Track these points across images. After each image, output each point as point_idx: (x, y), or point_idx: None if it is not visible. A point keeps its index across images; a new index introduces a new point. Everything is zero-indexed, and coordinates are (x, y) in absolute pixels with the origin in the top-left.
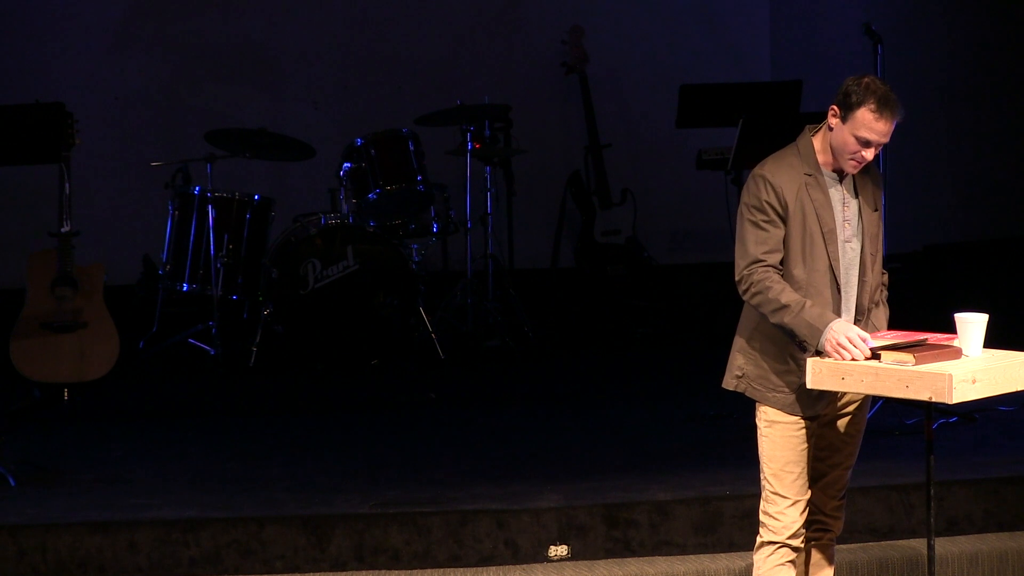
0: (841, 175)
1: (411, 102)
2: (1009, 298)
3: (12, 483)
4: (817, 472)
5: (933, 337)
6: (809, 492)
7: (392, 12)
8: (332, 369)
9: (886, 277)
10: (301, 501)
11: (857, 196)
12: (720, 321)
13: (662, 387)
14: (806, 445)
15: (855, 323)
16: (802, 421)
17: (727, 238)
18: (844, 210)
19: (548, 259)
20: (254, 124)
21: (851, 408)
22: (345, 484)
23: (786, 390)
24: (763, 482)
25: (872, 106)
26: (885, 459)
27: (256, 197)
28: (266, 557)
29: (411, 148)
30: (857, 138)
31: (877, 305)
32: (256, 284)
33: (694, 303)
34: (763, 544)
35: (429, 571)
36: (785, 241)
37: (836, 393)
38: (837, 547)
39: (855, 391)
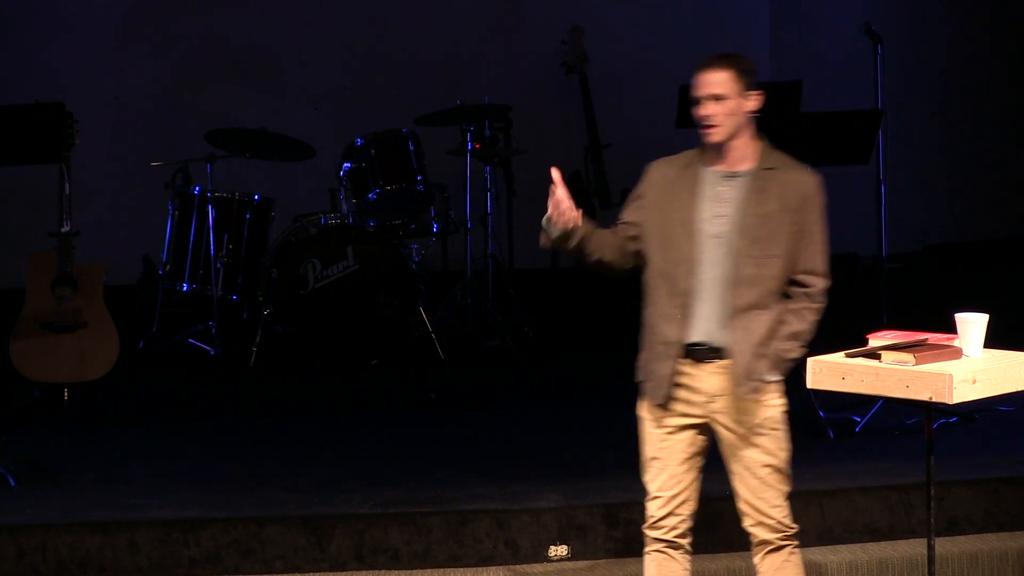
0: (737, 174)
1: (411, 102)
2: (1009, 298)
3: (12, 483)
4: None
5: (933, 337)
6: (675, 491)
7: (392, 12)
8: (332, 369)
9: (815, 288)
10: (301, 501)
11: (751, 195)
12: None
13: None
14: (667, 445)
15: (725, 324)
16: (664, 422)
17: None
18: (718, 206)
19: (548, 259)
20: (254, 124)
21: (743, 430)
22: (345, 484)
23: (645, 379)
24: None
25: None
26: (885, 459)
27: (256, 197)
28: (266, 557)
29: (411, 148)
30: (693, 101)
31: (764, 309)
32: (256, 284)
33: None
34: None
35: (429, 571)
36: (648, 228)
37: (679, 390)
38: (837, 547)
39: (855, 391)
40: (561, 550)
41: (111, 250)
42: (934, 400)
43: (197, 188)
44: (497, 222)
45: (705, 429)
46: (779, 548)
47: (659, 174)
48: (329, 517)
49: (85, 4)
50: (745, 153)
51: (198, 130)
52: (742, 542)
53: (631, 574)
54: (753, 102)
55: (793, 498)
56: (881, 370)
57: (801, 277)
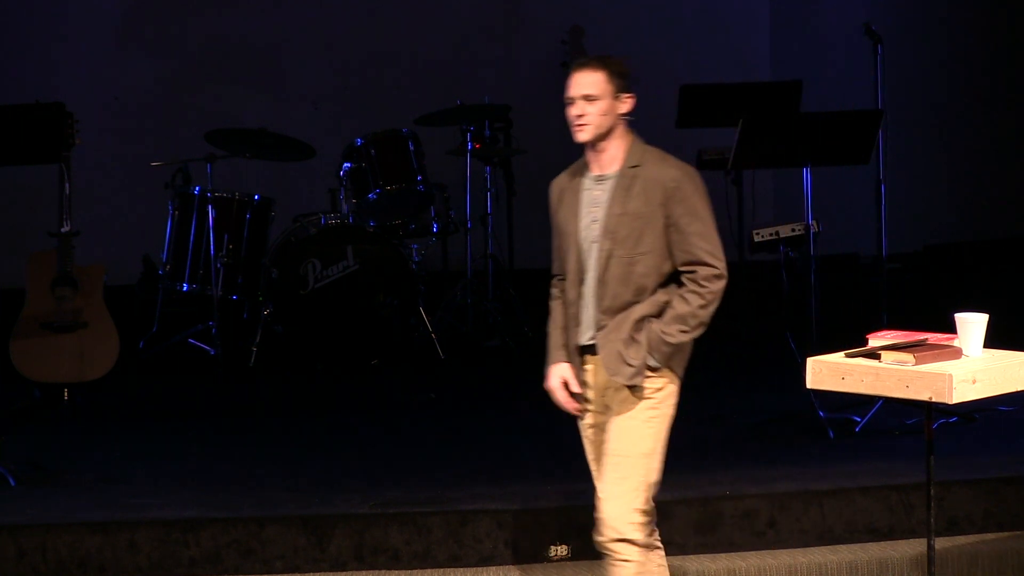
0: (606, 176)
1: (411, 102)
2: (1009, 298)
3: (12, 483)
4: None
5: (933, 337)
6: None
7: (393, 12)
8: (332, 369)
9: (700, 274)
10: (301, 501)
11: (616, 195)
12: (717, 320)
13: None
14: (595, 447)
15: (600, 324)
16: (586, 427)
17: (726, 238)
18: (593, 210)
19: (548, 259)
20: (254, 124)
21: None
22: (345, 484)
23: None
24: None
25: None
26: (885, 459)
27: (256, 197)
28: (266, 557)
29: (411, 148)
30: (567, 101)
31: (636, 304)
32: (256, 284)
33: None
34: None
35: (429, 571)
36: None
37: (587, 391)
38: (837, 547)
39: (855, 391)
40: (561, 550)
41: (111, 250)
42: (934, 400)
43: (197, 188)
44: (497, 222)
45: None
46: (611, 558)
47: (556, 189)
48: (329, 517)
49: (85, 4)
50: (615, 155)
51: (198, 130)
52: (742, 542)
53: None
54: (626, 105)
55: (793, 498)
56: (881, 370)
57: (684, 268)
